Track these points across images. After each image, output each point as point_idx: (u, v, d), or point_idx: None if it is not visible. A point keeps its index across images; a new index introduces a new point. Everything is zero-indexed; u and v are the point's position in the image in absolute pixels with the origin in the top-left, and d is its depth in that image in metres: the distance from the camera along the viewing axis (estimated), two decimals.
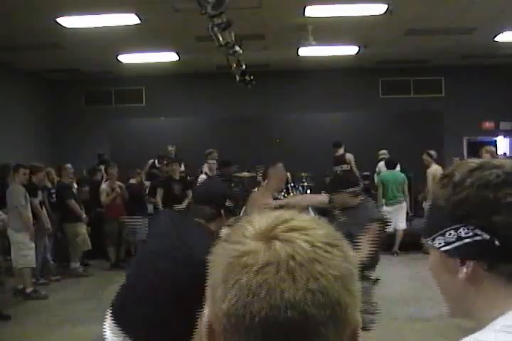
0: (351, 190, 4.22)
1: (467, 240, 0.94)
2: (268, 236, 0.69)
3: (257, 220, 0.73)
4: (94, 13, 7.86)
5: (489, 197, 0.92)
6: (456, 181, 0.97)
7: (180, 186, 8.63)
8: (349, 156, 10.86)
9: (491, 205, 0.92)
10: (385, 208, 9.33)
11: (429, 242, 1.01)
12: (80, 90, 13.45)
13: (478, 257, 0.94)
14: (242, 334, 0.66)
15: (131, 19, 8.22)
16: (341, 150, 10.85)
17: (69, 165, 8.96)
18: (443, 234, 0.97)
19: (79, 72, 12.52)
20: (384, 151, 11.09)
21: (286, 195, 10.96)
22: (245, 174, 10.10)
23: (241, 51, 7.63)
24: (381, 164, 10.83)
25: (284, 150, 11.88)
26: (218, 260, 0.71)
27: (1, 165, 8.18)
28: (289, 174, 11.42)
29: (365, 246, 4.06)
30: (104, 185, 9.07)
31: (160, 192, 8.63)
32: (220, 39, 6.54)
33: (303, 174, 11.58)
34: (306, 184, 11.50)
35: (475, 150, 11.91)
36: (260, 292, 0.65)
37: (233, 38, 7.10)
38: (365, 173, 11.61)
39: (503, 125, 13.09)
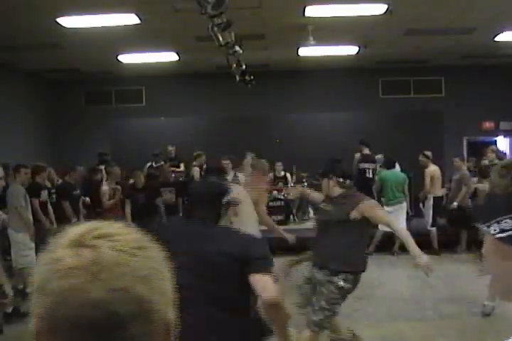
0: (341, 180, 4.29)
1: None
2: (76, 243, 0.75)
3: (71, 230, 0.79)
4: (94, 13, 7.86)
5: None
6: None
7: (143, 195, 8.32)
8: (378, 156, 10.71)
9: None
10: (385, 208, 9.31)
11: (485, 228, 1.04)
12: (80, 90, 13.45)
13: None
14: (58, 335, 0.72)
15: (131, 19, 8.22)
16: (367, 150, 10.65)
17: (81, 168, 8.96)
18: (498, 222, 1.01)
19: (79, 72, 12.52)
20: (380, 156, 10.99)
21: (286, 195, 10.98)
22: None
23: (241, 51, 7.64)
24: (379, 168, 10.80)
25: (284, 150, 11.89)
26: (36, 268, 0.76)
27: (1, 165, 8.17)
28: (288, 174, 11.46)
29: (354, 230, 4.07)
30: (105, 186, 8.93)
31: (128, 204, 8.31)
32: (220, 39, 6.55)
33: (303, 174, 11.58)
34: (306, 184, 11.50)
35: (475, 150, 11.94)
36: (68, 295, 0.71)
37: (233, 38, 7.11)
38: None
39: (503, 125, 13.09)
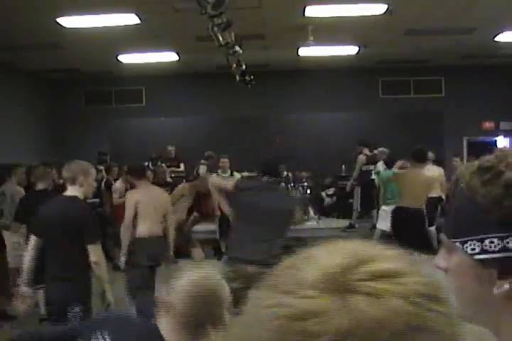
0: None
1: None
2: (339, 285, 0.47)
3: (321, 257, 0.50)
4: (94, 13, 7.86)
5: None
6: (507, 182, 0.77)
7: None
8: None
9: None
10: (383, 207, 9.29)
11: (457, 244, 0.84)
12: (79, 90, 13.45)
13: None
14: None
15: (131, 19, 8.22)
16: (367, 151, 10.57)
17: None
18: (481, 240, 0.80)
19: (79, 72, 12.52)
20: (383, 149, 10.86)
21: None
22: (245, 174, 10.09)
23: (241, 51, 7.64)
24: (379, 164, 10.72)
25: (284, 150, 11.88)
26: (260, 316, 0.47)
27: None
28: (289, 174, 11.46)
29: None
30: (117, 184, 8.85)
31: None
32: (220, 39, 6.55)
33: (303, 174, 11.58)
34: (306, 184, 11.50)
35: (475, 150, 11.94)
36: None
37: (233, 38, 7.11)
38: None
39: (503, 125, 13.08)
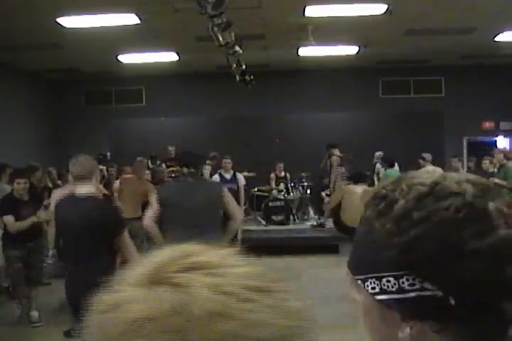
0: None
1: (412, 294, 0.67)
2: (153, 279, 0.49)
3: (152, 257, 0.53)
4: (94, 13, 7.86)
5: (447, 241, 0.64)
6: (398, 214, 0.68)
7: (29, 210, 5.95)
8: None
9: (448, 253, 0.64)
10: None
11: (359, 282, 0.75)
12: (80, 90, 13.45)
13: (425, 317, 0.68)
14: None
15: (131, 19, 8.22)
16: (337, 152, 10.53)
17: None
18: (379, 279, 0.70)
19: (79, 72, 12.52)
20: (380, 153, 10.92)
21: (286, 195, 10.99)
22: (245, 174, 10.10)
23: (241, 51, 7.64)
24: (378, 166, 10.79)
25: (284, 150, 11.89)
26: (91, 316, 0.51)
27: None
28: (288, 174, 11.46)
29: None
30: (117, 184, 8.86)
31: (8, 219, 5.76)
32: (220, 39, 6.55)
33: (303, 174, 11.58)
34: (305, 184, 11.51)
35: (475, 150, 11.94)
36: None
37: (233, 38, 7.11)
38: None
39: (503, 125, 13.09)
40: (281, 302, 0.50)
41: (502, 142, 13.26)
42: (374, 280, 0.71)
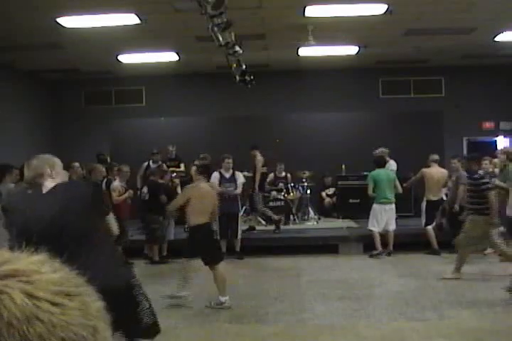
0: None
1: None
2: None
3: None
4: (94, 13, 7.87)
5: None
6: None
7: None
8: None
9: None
10: (375, 206, 9.24)
11: None
12: (80, 90, 13.44)
13: None
14: None
15: (131, 19, 8.22)
16: (258, 153, 10.25)
17: (77, 164, 8.96)
18: None
19: (79, 72, 12.52)
20: (383, 149, 10.79)
21: (286, 195, 10.99)
22: (245, 174, 10.10)
23: (241, 51, 7.65)
24: (392, 162, 10.60)
25: (284, 150, 11.89)
26: None
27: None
28: (288, 174, 11.46)
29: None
30: (116, 183, 8.94)
31: None
32: (220, 39, 6.55)
33: (303, 174, 11.58)
34: (306, 184, 11.51)
35: (475, 150, 11.93)
36: None
37: (233, 38, 7.11)
38: (365, 173, 11.62)
39: (503, 125, 13.08)
40: (84, 304, 0.56)
41: (502, 142, 13.25)
42: None
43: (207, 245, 6.19)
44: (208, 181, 6.80)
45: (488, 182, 7.25)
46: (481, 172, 7.43)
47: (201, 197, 6.16)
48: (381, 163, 9.59)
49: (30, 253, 0.59)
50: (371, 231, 9.16)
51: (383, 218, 9.17)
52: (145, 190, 9.10)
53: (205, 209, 6.18)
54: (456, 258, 7.36)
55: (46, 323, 0.52)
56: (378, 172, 9.42)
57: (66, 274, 0.58)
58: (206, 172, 6.69)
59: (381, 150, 10.27)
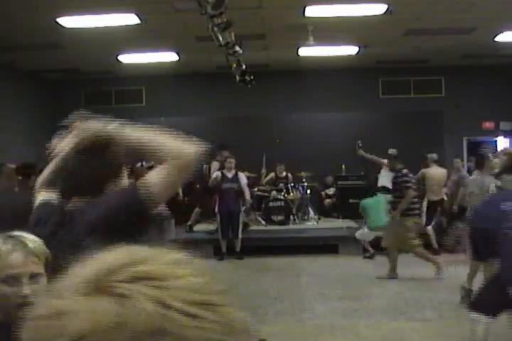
0: None
1: None
2: (96, 287, 0.46)
3: (97, 261, 0.50)
4: (94, 13, 7.87)
5: None
6: None
7: None
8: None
9: None
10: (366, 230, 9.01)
11: None
12: (80, 90, 13.44)
13: None
14: None
15: (131, 19, 8.23)
16: (227, 153, 10.15)
17: None
18: None
19: (79, 72, 12.52)
20: (393, 150, 10.69)
21: (286, 195, 10.99)
22: (246, 174, 10.10)
23: (241, 51, 7.65)
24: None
25: (284, 150, 11.89)
26: (27, 323, 0.48)
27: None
28: (289, 174, 11.47)
29: None
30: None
31: None
32: (220, 39, 6.56)
33: (303, 174, 11.58)
34: (306, 184, 11.51)
35: (475, 150, 11.93)
36: None
37: (233, 38, 7.11)
38: (364, 173, 11.65)
39: (503, 125, 13.08)
40: (225, 317, 0.48)
41: (502, 142, 13.25)
42: None
43: None
44: None
45: (409, 181, 7.34)
46: (404, 171, 7.51)
47: None
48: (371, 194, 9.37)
49: (168, 252, 0.51)
50: (358, 239, 9.10)
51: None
52: None
53: None
54: (388, 259, 7.46)
55: (178, 338, 0.44)
56: (367, 202, 9.18)
57: (206, 279, 0.50)
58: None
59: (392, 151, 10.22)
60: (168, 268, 0.49)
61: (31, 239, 1.60)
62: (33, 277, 1.56)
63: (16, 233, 1.62)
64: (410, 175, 7.60)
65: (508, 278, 3.78)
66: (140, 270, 0.48)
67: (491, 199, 4.74)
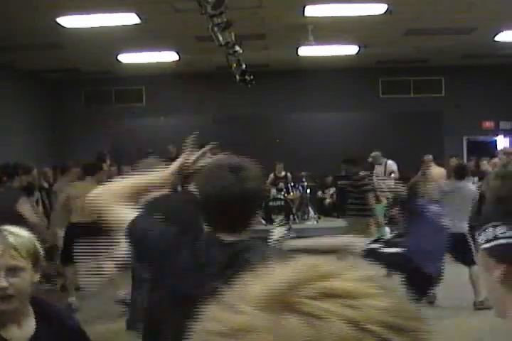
0: None
1: (502, 241, 0.84)
2: (281, 302, 0.42)
3: (274, 271, 0.46)
4: (94, 12, 7.87)
5: None
6: (503, 173, 0.86)
7: None
8: None
9: None
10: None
11: (477, 237, 0.92)
12: (80, 90, 13.44)
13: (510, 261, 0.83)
14: None
15: (131, 19, 8.23)
16: None
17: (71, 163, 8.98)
18: (484, 230, 0.87)
19: (79, 72, 12.52)
20: (377, 153, 10.72)
21: (286, 195, 10.99)
22: None
23: (241, 51, 7.65)
24: (376, 166, 10.71)
25: (284, 150, 11.89)
26: (196, 330, 0.44)
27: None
28: (288, 173, 11.47)
29: None
30: None
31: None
32: (220, 39, 6.55)
33: (303, 174, 11.58)
34: (306, 184, 11.51)
35: (475, 150, 11.95)
36: None
37: (233, 38, 7.11)
38: (365, 173, 11.60)
39: (503, 125, 13.09)
40: None
41: (502, 142, 13.25)
42: (482, 232, 0.88)
43: None
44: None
45: (368, 184, 7.35)
46: (361, 173, 7.52)
47: None
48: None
49: (353, 266, 0.46)
50: None
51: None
52: None
53: None
54: None
55: None
56: None
57: (400, 299, 0.44)
58: None
59: (375, 154, 10.29)
60: (358, 285, 0.43)
61: (16, 233, 1.61)
62: (12, 270, 1.56)
63: (3, 227, 1.63)
64: (368, 178, 7.62)
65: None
66: (328, 286, 0.42)
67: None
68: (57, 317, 1.70)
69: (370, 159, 10.62)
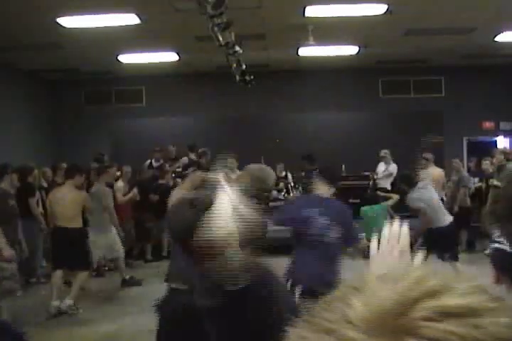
0: None
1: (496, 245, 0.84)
2: (392, 325, 0.36)
3: (376, 288, 0.39)
4: (94, 13, 7.87)
5: None
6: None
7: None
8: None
9: None
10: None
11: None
12: (79, 90, 13.44)
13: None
14: None
15: (131, 19, 8.22)
16: (193, 156, 10.18)
17: (64, 165, 8.97)
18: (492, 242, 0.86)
19: (79, 72, 12.52)
20: (385, 151, 10.83)
21: (286, 195, 10.98)
22: None
23: (241, 51, 7.64)
24: (380, 164, 10.76)
25: (284, 150, 11.88)
26: None
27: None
28: (289, 173, 11.46)
29: None
30: (119, 183, 8.93)
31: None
32: (220, 39, 6.55)
33: (303, 174, 11.56)
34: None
35: (475, 150, 11.94)
36: None
37: (233, 38, 7.11)
38: (366, 173, 11.62)
39: (503, 125, 13.08)
40: None
41: (502, 142, 13.25)
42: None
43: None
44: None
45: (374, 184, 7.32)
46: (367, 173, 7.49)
47: None
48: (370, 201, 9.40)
49: (458, 277, 0.40)
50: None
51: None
52: (135, 190, 9.04)
53: None
54: None
55: None
56: (366, 209, 9.26)
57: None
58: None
59: (386, 152, 10.26)
60: (474, 300, 0.38)
61: None
62: None
63: None
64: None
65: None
66: (442, 303, 0.37)
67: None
68: None
69: (382, 154, 10.60)
